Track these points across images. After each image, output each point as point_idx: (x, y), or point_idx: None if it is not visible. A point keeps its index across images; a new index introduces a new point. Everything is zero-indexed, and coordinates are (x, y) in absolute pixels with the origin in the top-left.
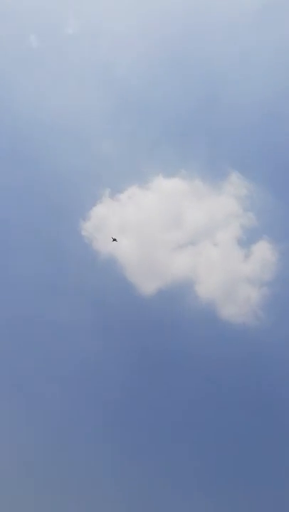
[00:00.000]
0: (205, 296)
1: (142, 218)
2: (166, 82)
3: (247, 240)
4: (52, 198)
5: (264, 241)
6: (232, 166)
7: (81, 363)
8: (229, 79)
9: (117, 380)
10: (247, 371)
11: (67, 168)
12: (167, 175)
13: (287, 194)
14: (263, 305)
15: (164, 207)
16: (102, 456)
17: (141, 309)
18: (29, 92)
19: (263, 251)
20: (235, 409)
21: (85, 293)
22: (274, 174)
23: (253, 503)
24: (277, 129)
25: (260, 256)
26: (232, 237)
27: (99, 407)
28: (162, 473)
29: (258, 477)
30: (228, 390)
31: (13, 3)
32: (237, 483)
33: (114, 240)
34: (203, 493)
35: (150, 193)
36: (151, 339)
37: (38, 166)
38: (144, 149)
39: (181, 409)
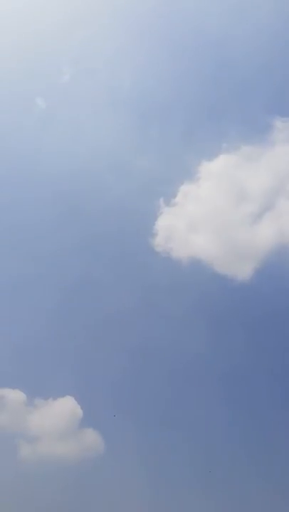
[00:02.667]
0: None
1: (207, 209)
2: (168, 72)
3: None
4: (115, 230)
5: None
6: (270, 114)
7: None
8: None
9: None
10: None
11: (116, 198)
12: (210, 157)
13: None
14: None
15: (222, 188)
16: None
17: (244, 297)
18: (55, 144)
19: None
20: None
21: (185, 304)
22: None
23: None
24: None
25: None
26: None
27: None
28: None
29: None
30: None
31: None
32: None
33: None
34: None
35: (203, 181)
36: (266, 320)
37: (88, 207)
38: (176, 146)
39: None
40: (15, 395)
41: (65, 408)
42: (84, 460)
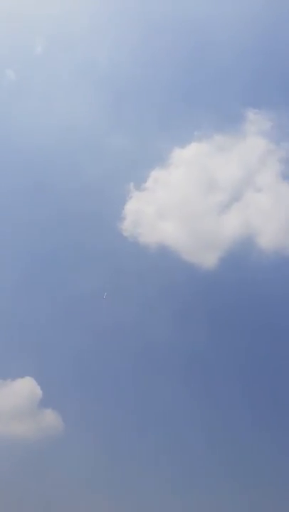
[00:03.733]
0: (270, 246)
1: (177, 196)
2: (148, 56)
3: None
4: (83, 211)
5: None
6: (243, 105)
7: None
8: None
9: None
10: None
11: (86, 178)
12: (182, 144)
13: None
14: None
15: (193, 176)
16: None
17: (208, 284)
18: (25, 119)
19: None
20: None
21: (150, 290)
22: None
23: None
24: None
25: None
26: (274, 176)
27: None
28: None
29: None
30: None
31: None
32: None
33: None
34: None
35: (173, 168)
36: (229, 308)
37: (57, 185)
38: (150, 131)
39: None
40: None
41: (24, 389)
42: (43, 439)
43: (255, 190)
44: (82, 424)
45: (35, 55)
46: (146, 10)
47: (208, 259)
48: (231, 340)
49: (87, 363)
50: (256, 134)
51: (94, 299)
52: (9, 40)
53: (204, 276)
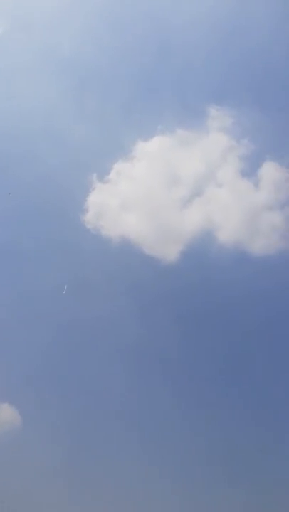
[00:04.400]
0: (230, 240)
1: (140, 189)
2: (114, 46)
3: (251, 168)
4: (43, 201)
5: (269, 162)
6: (206, 101)
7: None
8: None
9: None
10: None
11: (47, 167)
12: (146, 137)
13: (273, 106)
14: None
15: (155, 170)
16: None
17: (169, 278)
18: None
19: (272, 172)
20: None
21: (112, 284)
22: (252, 91)
23: None
24: (236, 44)
25: (270, 178)
26: (235, 172)
27: None
28: None
29: None
30: None
31: None
32: None
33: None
34: None
35: (136, 161)
36: (190, 301)
37: (17, 174)
38: (113, 122)
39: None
40: None
41: None
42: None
43: (216, 186)
44: (40, 419)
45: None
46: (113, 1)
47: (170, 253)
48: (192, 333)
49: (45, 358)
50: (218, 130)
51: (55, 293)
52: None
53: (166, 269)
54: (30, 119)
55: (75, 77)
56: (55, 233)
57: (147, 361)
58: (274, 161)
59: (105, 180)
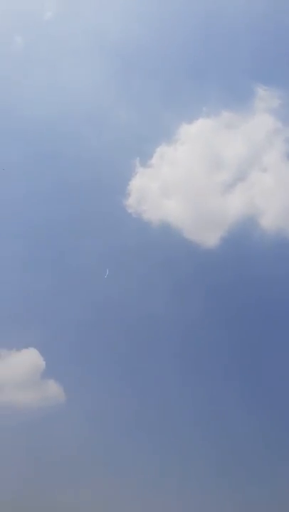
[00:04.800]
0: (272, 227)
1: (181, 173)
2: (157, 28)
3: None
4: (87, 186)
5: None
6: (253, 81)
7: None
8: None
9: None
10: None
11: (91, 150)
12: (190, 120)
13: None
14: None
15: (198, 153)
16: None
17: (209, 263)
18: (31, 87)
19: None
20: None
21: (152, 268)
22: None
23: None
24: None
25: None
26: (280, 155)
27: None
28: None
29: None
30: None
31: None
32: None
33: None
34: None
35: (180, 145)
36: (229, 287)
37: (61, 156)
38: (157, 105)
39: None
40: None
41: (28, 359)
42: (44, 409)
43: (260, 170)
44: (83, 395)
45: (43, 21)
46: None
47: (210, 238)
48: (230, 319)
49: (88, 336)
50: (264, 112)
51: (96, 274)
52: (18, 5)
53: (205, 254)
54: (74, 103)
55: (120, 59)
56: (97, 217)
57: (184, 344)
58: None
59: (148, 164)
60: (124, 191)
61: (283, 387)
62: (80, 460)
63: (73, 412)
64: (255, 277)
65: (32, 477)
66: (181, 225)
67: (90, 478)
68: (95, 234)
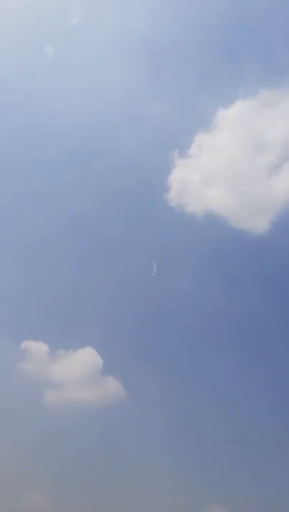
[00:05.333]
0: None
1: (222, 160)
2: (185, 12)
3: None
4: (127, 184)
5: None
6: None
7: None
8: None
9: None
10: None
11: (128, 150)
12: (226, 104)
13: None
14: None
15: (239, 138)
16: None
17: (260, 251)
18: (65, 94)
19: None
20: None
21: (201, 260)
22: None
23: None
24: None
25: None
26: None
27: None
28: None
29: None
30: None
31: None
32: None
33: None
34: None
35: (218, 131)
36: (283, 274)
37: (99, 160)
38: (191, 93)
39: None
40: (38, 347)
41: (86, 358)
42: (106, 405)
43: None
44: (142, 390)
45: (71, 27)
46: None
47: (259, 224)
48: (287, 307)
49: (143, 333)
50: None
51: (146, 272)
52: (45, 15)
53: (255, 242)
54: (109, 105)
55: (150, 53)
56: (140, 215)
57: (240, 336)
58: None
59: (186, 155)
60: (164, 185)
61: None
62: (141, 454)
63: (133, 407)
64: None
65: (97, 472)
66: (227, 213)
67: (151, 471)
68: (140, 232)
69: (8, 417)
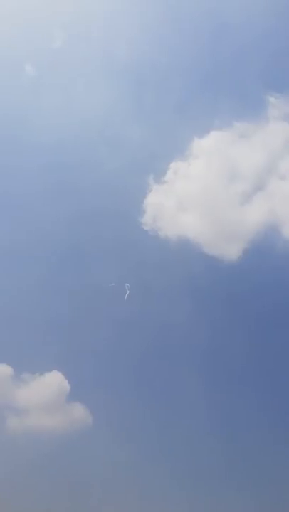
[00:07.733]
0: None
1: (197, 187)
2: (167, 43)
3: None
4: (102, 205)
5: None
6: (265, 89)
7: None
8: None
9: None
10: None
11: (105, 172)
12: (202, 134)
13: None
14: None
15: (213, 166)
16: None
17: (232, 278)
18: (44, 114)
19: None
20: None
21: (172, 285)
22: None
23: None
24: None
25: None
26: None
27: None
28: None
29: None
30: None
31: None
32: None
33: None
34: None
35: (193, 159)
36: (255, 302)
37: (76, 180)
38: (168, 121)
39: None
40: (2, 369)
41: (52, 382)
42: (71, 432)
43: (279, 178)
44: (110, 417)
45: (53, 49)
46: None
47: (232, 251)
48: (256, 335)
49: (112, 357)
50: (279, 119)
51: (117, 295)
52: (27, 34)
53: (227, 268)
54: (86, 126)
55: (131, 79)
56: (113, 237)
57: (208, 362)
58: None
59: (162, 180)
60: (139, 209)
61: None
62: (107, 484)
63: (100, 434)
64: (280, 288)
65: (60, 499)
66: (200, 239)
67: (118, 500)
68: (112, 254)
69: None
